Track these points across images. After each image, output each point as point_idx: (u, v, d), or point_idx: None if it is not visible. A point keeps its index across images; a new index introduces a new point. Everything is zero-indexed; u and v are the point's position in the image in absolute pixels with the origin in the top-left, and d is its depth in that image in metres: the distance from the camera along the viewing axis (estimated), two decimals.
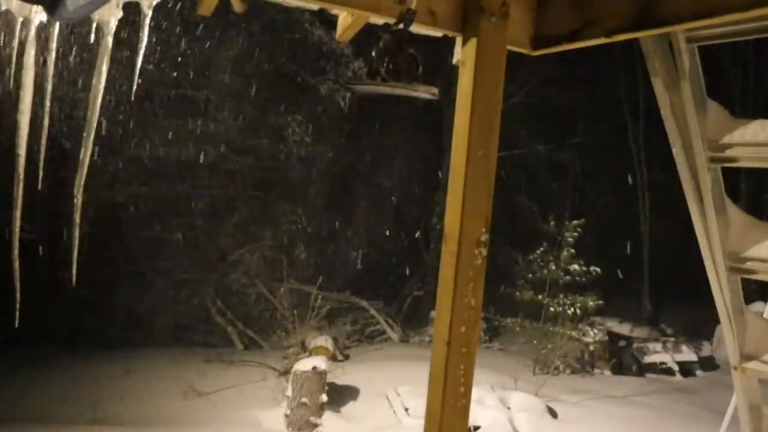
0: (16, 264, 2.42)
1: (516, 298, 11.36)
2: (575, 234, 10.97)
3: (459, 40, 2.22)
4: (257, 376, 9.40)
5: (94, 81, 2.22)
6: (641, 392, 9.58)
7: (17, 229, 2.36)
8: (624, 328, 11.93)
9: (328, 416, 7.75)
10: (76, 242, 2.67)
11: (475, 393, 6.48)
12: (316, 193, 13.70)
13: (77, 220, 2.53)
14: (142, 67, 2.54)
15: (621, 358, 11.24)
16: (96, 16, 2.05)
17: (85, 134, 2.35)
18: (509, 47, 2.20)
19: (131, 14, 2.19)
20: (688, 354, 11.24)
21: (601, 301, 10.90)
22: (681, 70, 2.40)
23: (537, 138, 14.72)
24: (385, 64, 2.10)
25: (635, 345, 11.31)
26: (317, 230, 13.48)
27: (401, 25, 2.09)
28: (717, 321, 2.87)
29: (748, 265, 2.64)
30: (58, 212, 9.61)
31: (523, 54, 2.40)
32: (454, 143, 2.14)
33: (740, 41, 2.40)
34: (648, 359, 11.01)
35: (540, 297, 10.98)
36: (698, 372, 11.16)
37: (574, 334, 10.73)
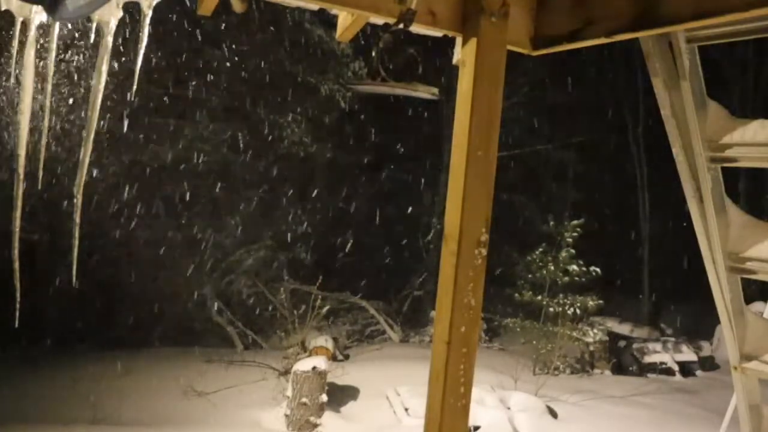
0: (16, 264, 2.42)
1: (516, 299, 11.36)
2: (575, 234, 10.97)
3: (459, 40, 2.22)
4: (257, 376, 9.40)
5: (93, 81, 2.22)
6: (641, 392, 9.58)
7: (17, 229, 2.36)
8: (624, 328, 11.94)
9: (328, 416, 7.76)
10: (76, 242, 2.67)
11: (475, 393, 6.48)
12: (316, 193, 13.70)
13: (77, 220, 2.52)
14: (142, 66, 2.54)
15: (621, 358, 11.24)
16: (96, 16, 2.05)
17: (85, 134, 2.35)
18: (509, 47, 2.20)
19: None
20: (688, 354, 11.24)
21: (601, 301, 10.90)
22: (681, 70, 2.40)
23: (537, 138, 14.72)
24: (385, 64, 2.10)
25: (635, 345, 11.31)
26: (317, 230, 13.48)
27: (401, 25, 2.09)
28: (717, 321, 2.88)
29: (748, 265, 2.64)
30: (58, 212, 9.62)
31: (523, 54, 2.40)
32: (454, 143, 2.14)
33: (739, 41, 2.40)
34: (648, 359, 11.01)
35: (539, 297, 10.97)
36: (698, 372, 11.16)
37: (574, 334, 10.73)
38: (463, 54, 2.15)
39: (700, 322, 12.12)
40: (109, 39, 2.09)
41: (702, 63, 2.44)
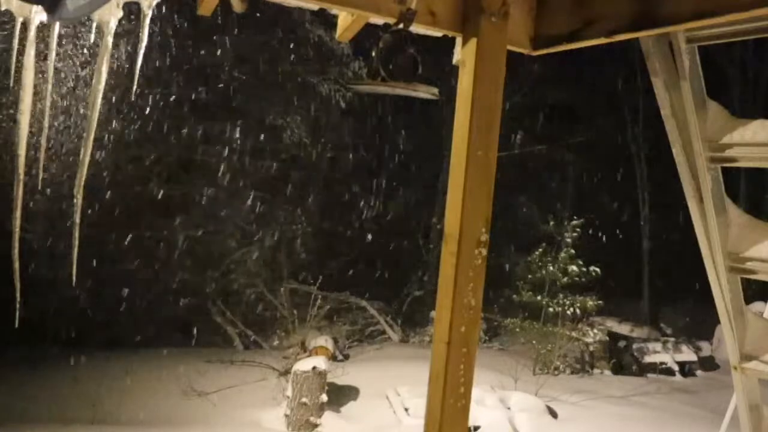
0: (16, 264, 2.42)
1: (515, 299, 11.36)
2: (574, 234, 10.97)
3: (459, 40, 2.22)
4: (257, 376, 9.40)
5: (93, 81, 2.22)
6: (641, 392, 9.59)
7: (17, 229, 2.36)
8: (624, 328, 11.93)
9: (328, 416, 7.76)
10: (76, 242, 2.66)
11: (475, 393, 6.48)
12: (315, 193, 13.70)
13: (77, 220, 2.52)
14: (142, 67, 2.54)
15: (621, 358, 11.24)
16: (96, 16, 2.05)
17: (85, 134, 2.35)
18: (509, 47, 2.20)
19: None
20: (688, 354, 11.24)
21: (600, 301, 10.89)
22: (681, 70, 2.40)
23: (537, 138, 14.72)
24: (385, 64, 2.10)
25: (635, 345, 11.31)
26: (317, 230, 13.48)
27: (401, 25, 2.09)
28: (717, 321, 2.87)
29: (748, 265, 2.64)
30: (58, 212, 9.61)
31: (523, 54, 2.40)
32: (454, 143, 2.14)
33: (739, 41, 2.40)
34: (648, 359, 11.01)
35: (539, 297, 10.97)
36: (698, 372, 11.16)
37: (574, 334, 10.73)
38: (463, 54, 2.15)
39: (700, 322, 12.12)
40: (109, 39, 2.09)
41: (702, 63, 2.44)
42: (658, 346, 11.26)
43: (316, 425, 7.59)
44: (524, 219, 14.61)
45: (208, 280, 12.05)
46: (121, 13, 2.08)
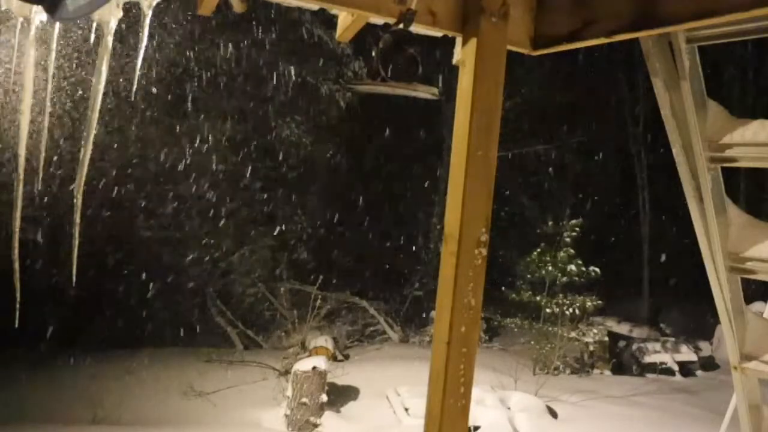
0: (16, 264, 2.42)
1: (514, 299, 11.35)
2: (573, 234, 10.96)
3: (459, 40, 2.22)
4: (257, 376, 9.40)
5: (93, 81, 2.22)
6: (641, 392, 9.58)
7: (17, 229, 2.36)
8: (624, 328, 11.93)
9: (328, 416, 7.76)
10: (76, 242, 2.66)
11: (475, 393, 6.48)
12: (315, 193, 13.70)
13: (77, 220, 2.52)
14: (141, 66, 2.54)
15: (621, 358, 11.24)
16: (96, 16, 2.05)
17: (84, 134, 2.35)
18: (509, 47, 2.20)
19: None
20: (687, 354, 11.24)
21: (600, 301, 10.89)
22: (681, 70, 2.40)
23: (537, 138, 14.72)
24: (385, 64, 2.10)
25: (635, 345, 11.31)
26: (317, 230, 13.48)
27: (401, 25, 2.09)
28: (717, 321, 2.88)
29: (748, 265, 2.64)
30: (57, 212, 9.61)
31: (523, 54, 2.40)
32: (454, 143, 2.14)
33: (739, 41, 2.40)
34: (648, 359, 11.01)
35: (538, 298, 10.97)
36: (698, 372, 11.16)
37: (573, 334, 10.73)
38: (463, 54, 2.15)
39: (700, 322, 12.12)
40: (109, 39, 2.09)
41: (702, 63, 2.44)
42: (657, 346, 11.26)
43: (316, 425, 7.59)
44: (524, 219, 14.61)
45: (209, 280, 12.04)
46: (121, 13, 2.08)
